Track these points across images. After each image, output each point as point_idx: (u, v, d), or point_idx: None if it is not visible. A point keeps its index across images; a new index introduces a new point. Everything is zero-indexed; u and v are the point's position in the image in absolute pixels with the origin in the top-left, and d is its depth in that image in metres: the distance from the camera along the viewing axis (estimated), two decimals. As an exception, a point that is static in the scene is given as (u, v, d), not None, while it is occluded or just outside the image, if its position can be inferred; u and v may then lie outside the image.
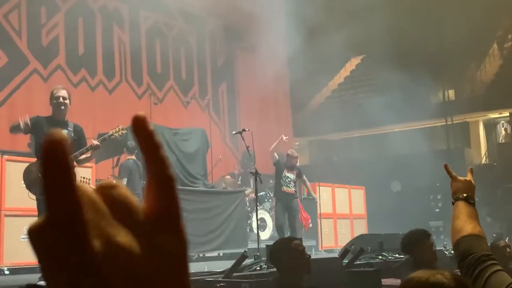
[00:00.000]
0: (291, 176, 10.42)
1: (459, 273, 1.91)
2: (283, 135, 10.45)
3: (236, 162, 14.84)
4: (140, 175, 9.38)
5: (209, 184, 11.44)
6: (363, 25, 16.73)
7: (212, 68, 15.98)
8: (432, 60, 17.37)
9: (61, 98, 6.23)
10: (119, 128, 6.61)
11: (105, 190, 0.45)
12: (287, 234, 9.88)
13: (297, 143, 20.01)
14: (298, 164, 10.73)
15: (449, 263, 6.27)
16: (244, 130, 9.25)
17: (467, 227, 2.02)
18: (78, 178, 8.14)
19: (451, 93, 22.19)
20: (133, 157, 9.39)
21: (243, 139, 9.09)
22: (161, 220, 0.44)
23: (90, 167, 9.27)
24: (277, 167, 10.41)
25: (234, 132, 10.40)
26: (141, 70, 14.14)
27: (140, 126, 0.45)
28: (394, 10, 19.15)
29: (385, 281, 6.21)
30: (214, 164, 12.41)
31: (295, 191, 10.60)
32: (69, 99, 6.35)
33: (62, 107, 6.22)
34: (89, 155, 6.39)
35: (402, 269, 5.15)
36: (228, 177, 12.89)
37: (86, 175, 9.04)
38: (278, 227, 10.24)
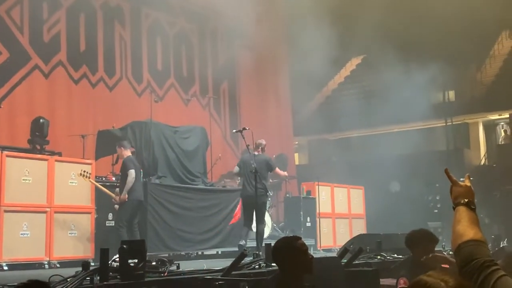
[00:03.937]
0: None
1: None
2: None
3: (236, 160, 14.84)
4: (140, 172, 9.37)
5: (208, 182, 11.45)
6: (364, 25, 16.74)
7: (213, 66, 15.97)
8: (433, 61, 17.36)
9: None
10: None
11: None
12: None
13: (296, 143, 20.03)
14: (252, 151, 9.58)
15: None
16: (244, 128, 9.25)
17: (469, 232, 2.03)
18: (78, 172, 8.22)
19: (451, 94, 22.19)
20: (130, 153, 9.34)
21: (243, 138, 9.10)
22: None
23: (90, 163, 9.30)
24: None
25: (234, 130, 10.40)
26: (141, 68, 14.14)
27: None
28: (395, 10, 19.15)
29: (384, 281, 6.23)
30: (214, 162, 12.42)
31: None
32: None
33: None
34: None
35: (399, 269, 5.17)
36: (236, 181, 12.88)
37: (87, 171, 9.05)
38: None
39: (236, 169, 9.92)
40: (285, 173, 10.94)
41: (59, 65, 12.31)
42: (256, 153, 9.55)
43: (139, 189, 9.18)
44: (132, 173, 8.93)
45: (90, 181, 8.88)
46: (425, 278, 1.73)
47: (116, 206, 9.04)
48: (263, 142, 9.83)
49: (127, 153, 9.24)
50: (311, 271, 3.86)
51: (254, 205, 9.31)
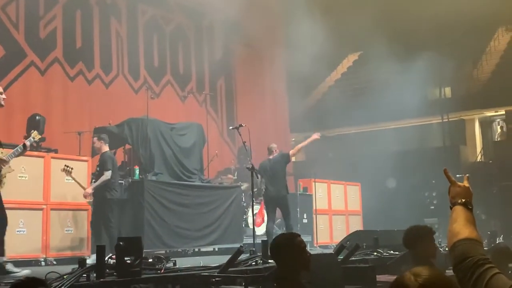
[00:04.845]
0: None
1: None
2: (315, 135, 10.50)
3: (232, 157, 14.85)
4: (117, 170, 9.25)
5: (205, 179, 11.45)
6: (361, 22, 16.74)
7: (210, 62, 15.95)
8: (429, 57, 17.39)
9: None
10: (37, 132, 6.86)
11: None
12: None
13: (293, 139, 20.03)
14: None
15: (444, 260, 6.30)
16: (241, 125, 9.26)
17: (465, 231, 2.04)
18: (62, 167, 8.12)
19: (447, 91, 22.22)
20: (108, 148, 9.15)
21: (240, 134, 9.10)
22: None
23: (86, 160, 9.28)
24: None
25: (231, 127, 10.42)
26: (138, 64, 14.11)
27: None
28: (392, 6, 19.15)
29: (380, 277, 6.23)
30: (210, 159, 12.42)
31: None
32: None
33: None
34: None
35: (397, 266, 5.17)
36: (231, 176, 12.89)
37: (82, 169, 9.02)
38: None
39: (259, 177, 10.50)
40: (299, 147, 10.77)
41: (55, 62, 12.28)
42: (271, 157, 10.14)
43: (118, 188, 9.01)
44: (109, 174, 8.69)
45: (71, 176, 8.59)
46: (402, 275, 1.74)
47: (87, 201, 8.79)
48: (274, 145, 10.38)
49: (106, 148, 8.97)
50: (309, 268, 3.87)
51: (276, 204, 9.98)
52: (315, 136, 10.50)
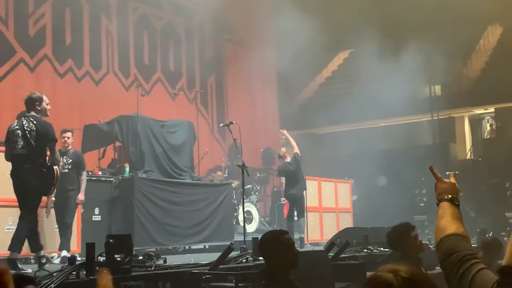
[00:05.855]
0: None
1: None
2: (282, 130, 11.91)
3: (223, 154, 14.84)
4: None
5: (195, 176, 11.43)
6: (350, 19, 16.78)
7: (200, 60, 15.92)
8: (419, 55, 17.44)
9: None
10: None
11: None
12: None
13: (283, 137, 20.07)
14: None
15: (433, 257, 6.36)
16: (231, 122, 9.26)
17: (452, 227, 2.05)
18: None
19: (437, 89, 22.32)
20: None
21: (231, 132, 9.10)
22: None
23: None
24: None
25: (221, 124, 10.43)
26: (128, 62, 14.06)
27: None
28: (382, 2, 19.20)
29: (370, 275, 6.26)
30: (201, 156, 12.40)
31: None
32: None
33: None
34: None
35: (387, 263, 5.20)
36: (220, 173, 12.89)
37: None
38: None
39: (283, 179, 11.70)
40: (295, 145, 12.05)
41: (45, 59, 12.20)
42: (288, 160, 11.54)
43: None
44: (85, 174, 8.60)
45: None
46: (377, 274, 1.76)
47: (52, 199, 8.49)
48: (284, 150, 11.53)
49: (70, 146, 8.70)
50: (296, 265, 3.88)
51: (300, 201, 11.40)
52: (285, 132, 12.11)
